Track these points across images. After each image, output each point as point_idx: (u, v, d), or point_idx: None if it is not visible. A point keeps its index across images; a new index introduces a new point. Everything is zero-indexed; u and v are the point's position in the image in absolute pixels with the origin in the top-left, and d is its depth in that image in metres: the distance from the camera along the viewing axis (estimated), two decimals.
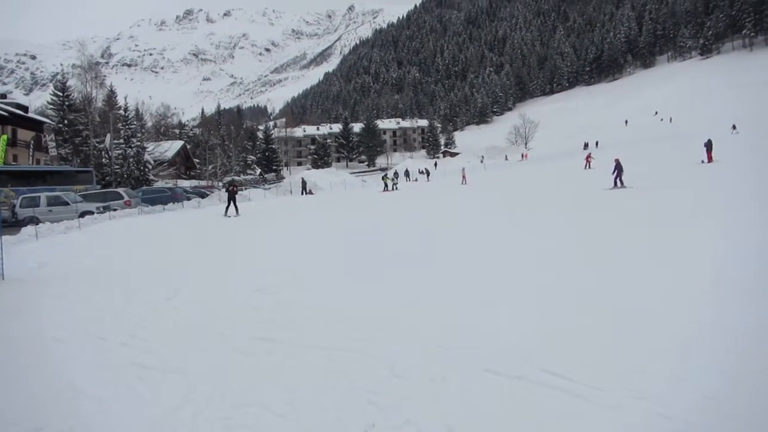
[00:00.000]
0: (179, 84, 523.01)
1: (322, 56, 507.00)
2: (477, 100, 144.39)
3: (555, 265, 7.82)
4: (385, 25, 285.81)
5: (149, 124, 70.02)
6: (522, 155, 68.87)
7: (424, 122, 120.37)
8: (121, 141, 43.31)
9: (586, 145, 59.93)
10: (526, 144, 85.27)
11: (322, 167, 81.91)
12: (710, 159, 23.25)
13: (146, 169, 43.52)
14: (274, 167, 78.45)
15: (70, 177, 28.56)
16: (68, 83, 44.48)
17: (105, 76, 70.28)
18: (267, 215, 20.43)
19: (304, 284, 7.76)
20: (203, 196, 31.94)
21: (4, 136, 34.08)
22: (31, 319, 6.63)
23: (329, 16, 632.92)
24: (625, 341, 4.61)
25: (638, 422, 3.34)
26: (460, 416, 3.60)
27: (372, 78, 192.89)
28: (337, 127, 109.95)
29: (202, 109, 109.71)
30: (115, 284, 8.28)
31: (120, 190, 25.92)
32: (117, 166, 41.58)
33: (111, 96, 51.72)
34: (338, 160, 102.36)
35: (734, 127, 43.78)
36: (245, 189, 41.22)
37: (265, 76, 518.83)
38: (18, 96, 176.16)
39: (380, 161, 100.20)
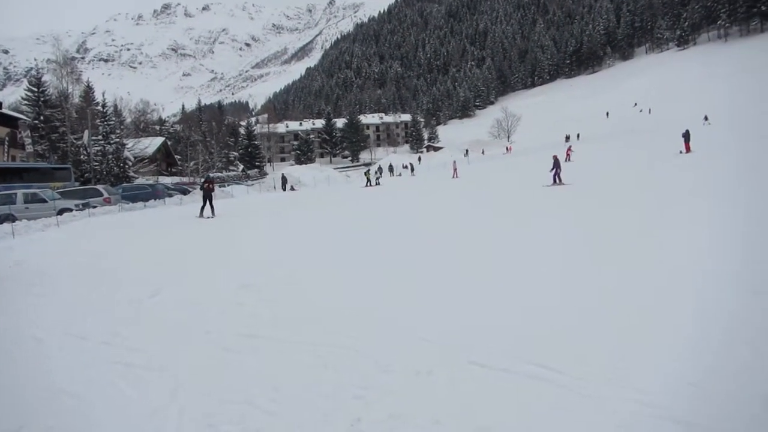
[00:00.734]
0: (158, 80, 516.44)
1: (303, 51, 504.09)
2: (459, 94, 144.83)
3: (540, 258, 7.86)
4: (366, 20, 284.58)
5: (128, 120, 69.05)
6: (507, 148, 69.23)
7: (407, 117, 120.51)
8: (100, 137, 42.66)
9: (567, 138, 60.46)
10: (509, 137, 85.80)
11: (306, 163, 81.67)
12: (688, 149, 23.61)
13: (126, 166, 42.91)
14: (256, 163, 77.97)
15: (48, 174, 28.04)
16: (43, 78, 43.66)
17: (81, 71, 69.07)
18: (249, 212, 20.25)
19: (288, 281, 7.70)
20: (185, 192, 31.59)
21: None
22: (8, 318, 6.50)
23: (310, 11, 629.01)
24: (609, 332, 4.64)
25: (622, 411, 3.37)
26: (446, 409, 3.60)
27: (354, 73, 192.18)
28: (320, 123, 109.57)
29: (183, 105, 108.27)
30: (96, 282, 8.14)
31: (99, 187, 25.51)
32: (96, 163, 40.94)
33: (88, 92, 50.86)
34: (322, 155, 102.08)
35: (706, 118, 44.59)
36: (227, 185, 40.91)
37: (246, 72, 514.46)
38: None
39: (364, 156, 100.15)
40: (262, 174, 69.89)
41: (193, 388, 4.20)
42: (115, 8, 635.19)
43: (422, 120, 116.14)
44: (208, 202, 16.93)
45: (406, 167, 55.44)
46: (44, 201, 19.81)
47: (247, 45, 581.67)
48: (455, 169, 33.68)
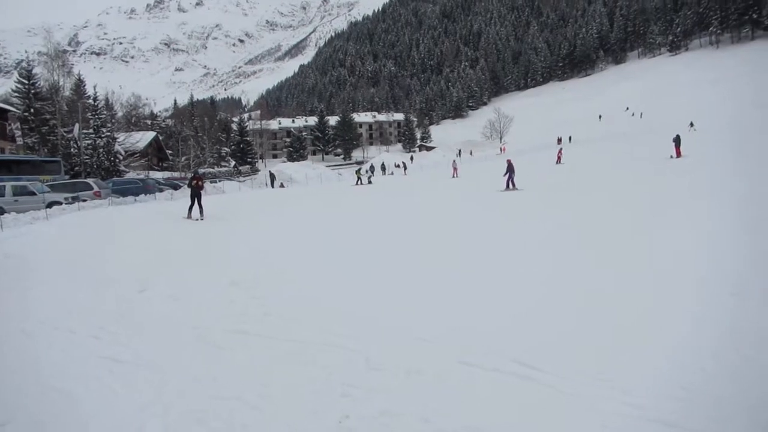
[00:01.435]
0: (150, 74, 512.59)
1: (297, 48, 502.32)
2: (452, 95, 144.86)
3: (527, 259, 7.91)
4: (360, 18, 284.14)
5: (120, 114, 68.48)
6: (500, 149, 69.26)
7: (400, 116, 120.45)
8: (91, 131, 42.26)
9: (559, 140, 60.67)
10: (501, 138, 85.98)
11: (298, 160, 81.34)
12: (678, 154, 23.79)
13: (117, 160, 42.59)
14: (248, 159, 77.66)
15: (37, 167, 27.76)
16: (34, 71, 43.19)
17: (73, 64, 68.51)
18: (240, 209, 20.15)
19: (278, 278, 7.71)
20: (176, 187, 31.40)
21: None
22: None
23: (304, 8, 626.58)
24: (596, 333, 4.69)
25: (609, 411, 3.41)
26: (435, 407, 3.63)
27: (348, 71, 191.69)
28: (312, 120, 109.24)
29: (175, 100, 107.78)
30: (85, 276, 8.09)
31: (89, 180, 25.28)
32: (86, 157, 40.58)
33: (79, 85, 50.43)
34: (314, 153, 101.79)
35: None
36: (219, 181, 40.71)
37: (240, 68, 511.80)
38: None
39: (356, 154, 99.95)
40: (254, 170, 69.56)
41: (181, 383, 4.20)
42: (107, 1, 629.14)
43: (415, 119, 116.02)
44: (196, 202, 15.15)
45: (398, 166, 55.39)
46: (33, 194, 19.62)
47: (241, 41, 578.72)
48: (455, 168, 33.19)
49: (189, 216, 14.87)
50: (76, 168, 39.41)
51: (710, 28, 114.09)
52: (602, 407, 3.45)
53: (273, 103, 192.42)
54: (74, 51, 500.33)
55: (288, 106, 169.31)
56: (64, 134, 42.09)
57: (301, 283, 7.31)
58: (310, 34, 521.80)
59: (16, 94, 43.55)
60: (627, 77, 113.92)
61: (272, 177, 39.41)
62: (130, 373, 4.45)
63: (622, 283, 6.13)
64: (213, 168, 61.78)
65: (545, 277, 6.73)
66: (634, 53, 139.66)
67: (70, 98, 47.33)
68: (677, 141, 24.26)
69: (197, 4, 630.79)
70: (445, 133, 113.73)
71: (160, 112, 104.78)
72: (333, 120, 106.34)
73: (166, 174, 48.82)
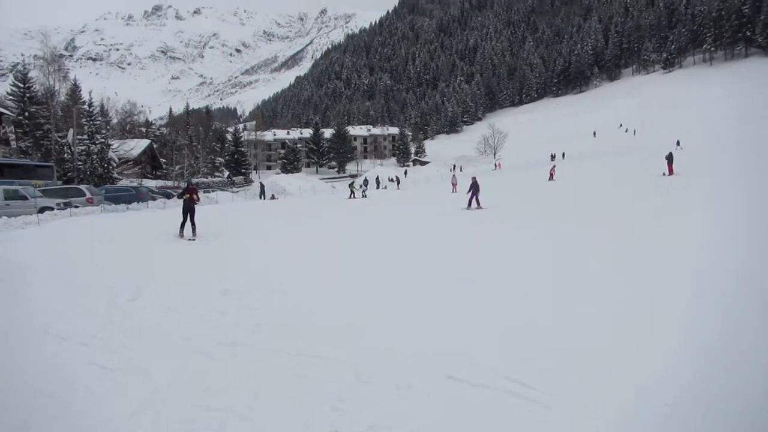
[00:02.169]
0: (146, 81, 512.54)
1: (293, 59, 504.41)
2: (448, 109, 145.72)
3: (518, 275, 7.96)
4: (357, 30, 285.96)
5: (114, 120, 68.28)
6: (495, 164, 69.40)
7: (394, 130, 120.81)
8: (85, 137, 42.11)
9: (552, 157, 61.06)
10: (495, 154, 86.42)
11: (292, 172, 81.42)
12: (671, 171, 23.99)
13: (110, 167, 42.40)
14: (242, 170, 77.56)
15: (30, 171, 27.60)
16: (29, 74, 43.03)
17: (69, 69, 68.47)
18: (233, 220, 20.10)
19: (271, 289, 7.70)
20: (169, 196, 31.33)
21: None
22: None
23: (301, 19, 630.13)
24: (585, 350, 4.72)
25: (597, 427, 3.44)
26: (424, 423, 3.64)
27: (344, 83, 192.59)
28: (307, 132, 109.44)
29: (170, 109, 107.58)
30: (76, 283, 8.05)
31: (82, 186, 25.16)
32: (80, 163, 40.39)
33: (75, 90, 50.30)
34: (308, 165, 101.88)
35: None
36: (212, 191, 40.62)
37: (236, 78, 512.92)
38: None
39: (350, 168, 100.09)
40: (248, 181, 69.53)
41: (170, 393, 4.19)
42: (105, 7, 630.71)
43: (410, 133, 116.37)
44: (189, 218, 13.19)
45: (392, 180, 55.51)
46: (25, 198, 19.50)
47: (238, 51, 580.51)
48: (454, 184, 32.14)
49: (181, 234, 13.19)
50: (69, 174, 39.20)
51: (704, 46, 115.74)
52: (592, 424, 3.48)
53: (268, 114, 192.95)
54: (71, 56, 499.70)
55: (283, 117, 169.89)
56: (58, 139, 41.91)
57: (292, 295, 7.31)
58: (306, 45, 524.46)
59: (10, 97, 43.35)
60: (621, 94, 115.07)
61: (263, 188, 39.42)
62: (119, 380, 4.44)
63: (609, 301, 6.17)
64: (206, 178, 61.66)
65: (533, 293, 6.77)
66: (628, 70, 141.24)
67: (66, 103, 47.18)
68: (670, 158, 24.48)
69: (195, 12, 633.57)
70: (439, 147, 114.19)
71: (155, 120, 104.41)
72: (328, 132, 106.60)
73: (160, 182, 48.68)
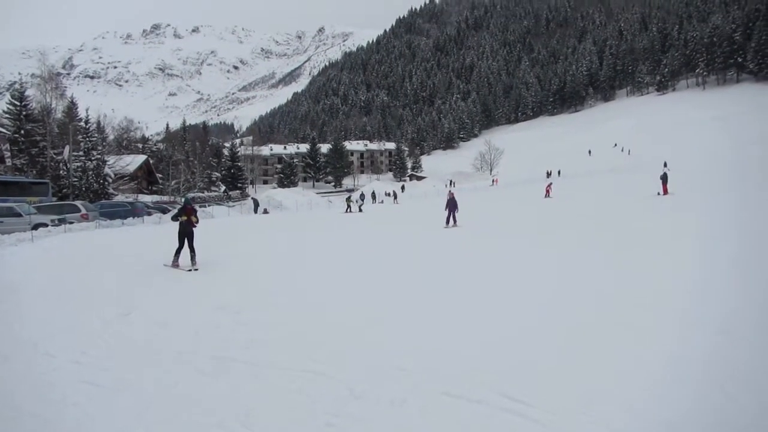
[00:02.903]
0: (144, 98, 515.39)
1: (291, 76, 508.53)
2: (444, 126, 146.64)
3: (515, 290, 7.91)
4: (354, 49, 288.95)
5: (111, 137, 68.49)
6: (493, 180, 69.62)
7: (391, 145, 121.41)
8: (81, 153, 42.18)
9: (548, 174, 61.29)
10: (491, 170, 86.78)
11: (289, 186, 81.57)
12: (665, 191, 24.09)
13: (106, 183, 42.37)
14: (239, 185, 77.68)
15: (25, 188, 27.58)
16: (27, 93, 43.14)
17: (66, 87, 68.67)
18: (228, 236, 20.04)
19: (265, 304, 7.63)
20: (165, 211, 31.27)
21: None
22: None
23: (299, 37, 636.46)
24: (582, 367, 4.67)
25: None
26: None
27: (341, 100, 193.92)
28: (304, 147, 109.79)
29: (167, 125, 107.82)
30: (68, 299, 7.97)
31: (77, 202, 25.11)
32: (75, 179, 40.39)
33: (71, 107, 50.41)
34: (305, 179, 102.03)
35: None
36: (208, 206, 40.55)
37: (233, 94, 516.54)
38: None
39: (347, 182, 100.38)
40: (244, 196, 69.56)
41: (162, 409, 4.11)
42: (103, 26, 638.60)
43: (406, 149, 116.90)
44: (186, 243, 10.77)
45: (389, 195, 55.63)
46: (19, 215, 19.44)
47: (235, 68, 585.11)
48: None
49: (175, 263, 10.71)
50: (65, 190, 39.16)
51: (697, 70, 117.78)
52: None
53: (265, 129, 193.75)
54: (68, 74, 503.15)
55: (280, 132, 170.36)
56: (54, 156, 41.89)
57: (287, 309, 7.24)
58: (304, 62, 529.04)
59: (6, 116, 43.39)
60: (616, 114, 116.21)
61: (256, 203, 39.37)
62: (110, 398, 4.35)
63: (604, 318, 6.12)
64: (203, 192, 61.63)
65: (533, 309, 6.72)
66: (623, 91, 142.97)
67: (62, 120, 47.25)
68: (664, 179, 24.60)
69: (193, 30, 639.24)
70: (435, 163, 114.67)
71: (152, 135, 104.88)
72: (325, 147, 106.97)
73: (156, 198, 48.64)
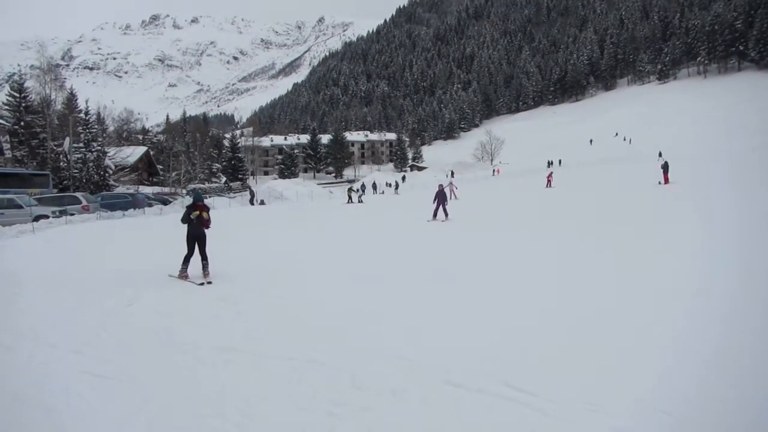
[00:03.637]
0: (143, 89, 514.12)
1: (291, 67, 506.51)
2: (445, 116, 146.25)
3: (518, 280, 7.91)
4: (354, 38, 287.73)
5: (111, 128, 68.38)
6: (494, 171, 69.42)
7: (392, 136, 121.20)
8: (81, 145, 42.14)
9: (549, 164, 61.18)
10: (492, 160, 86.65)
11: (289, 177, 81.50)
12: (666, 180, 24.06)
13: (106, 174, 42.35)
14: (239, 176, 77.66)
15: (25, 180, 27.57)
16: (26, 84, 43.00)
17: (65, 78, 68.46)
18: (229, 227, 20.04)
19: (265, 294, 7.64)
20: (165, 203, 31.28)
21: None
22: None
23: (299, 27, 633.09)
24: (584, 357, 4.67)
25: None
26: (419, 428, 3.57)
27: (341, 90, 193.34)
28: (305, 138, 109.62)
29: (167, 116, 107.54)
30: (70, 290, 7.98)
31: (78, 194, 25.13)
32: (76, 171, 40.36)
33: (71, 99, 50.31)
34: (306, 170, 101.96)
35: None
36: (209, 196, 40.50)
37: (233, 85, 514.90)
38: None
39: (348, 173, 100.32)
40: (245, 187, 69.55)
41: (163, 400, 4.12)
42: (102, 17, 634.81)
43: (407, 139, 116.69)
44: (197, 249, 8.81)
45: (389, 185, 55.57)
46: (20, 207, 19.46)
47: (235, 58, 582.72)
48: (452, 191, 28.91)
49: (184, 273, 8.76)
50: (65, 182, 39.16)
51: (698, 59, 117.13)
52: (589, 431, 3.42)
53: (266, 120, 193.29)
54: (67, 65, 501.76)
55: (281, 123, 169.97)
56: (54, 148, 41.83)
57: (288, 299, 7.26)
58: (304, 53, 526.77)
59: (6, 107, 43.29)
60: (617, 103, 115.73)
61: (252, 194, 39.22)
62: (111, 388, 4.36)
63: (608, 308, 6.13)
64: (203, 184, 61.61)
65: (536, 299, 6.73)
66: (623, 80, 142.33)
67: (62, 112, 47.16)
68: (665, 168, 24.56)
69: (192, 21, 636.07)
70: (436, 153, 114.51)
71: (152, 127, 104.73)
72: (325, 138, 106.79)
73: (156, 189, 48.64)
